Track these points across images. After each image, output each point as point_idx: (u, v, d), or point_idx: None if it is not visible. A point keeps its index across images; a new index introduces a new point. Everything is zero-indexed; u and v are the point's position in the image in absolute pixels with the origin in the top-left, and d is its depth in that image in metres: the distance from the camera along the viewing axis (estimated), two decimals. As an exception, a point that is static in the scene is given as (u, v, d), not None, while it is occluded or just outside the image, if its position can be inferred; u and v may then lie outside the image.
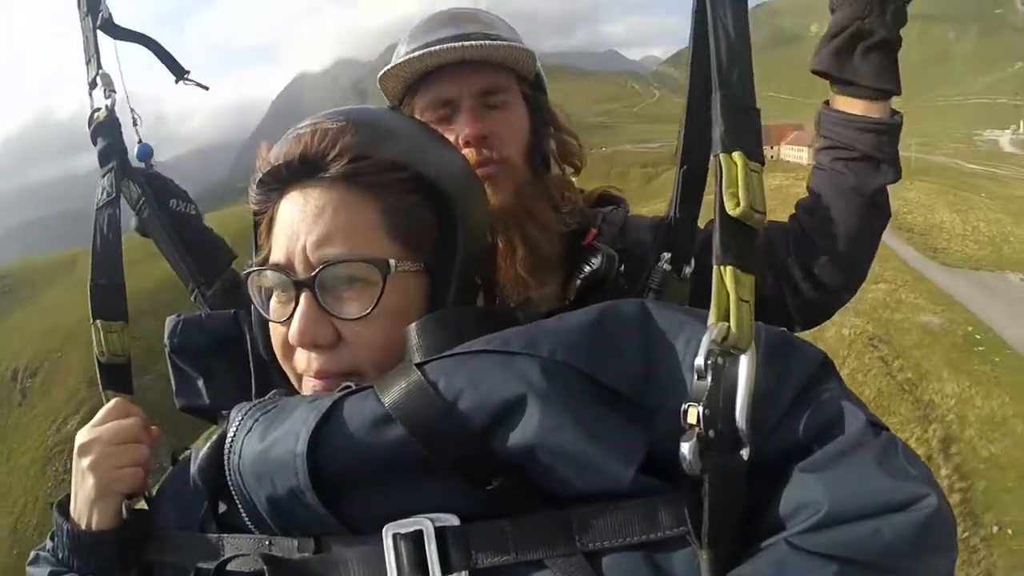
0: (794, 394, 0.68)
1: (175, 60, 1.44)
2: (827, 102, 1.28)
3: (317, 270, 0.83)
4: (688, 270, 1.19)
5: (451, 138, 1.21)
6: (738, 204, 0.71)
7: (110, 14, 1.31)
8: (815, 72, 1.25)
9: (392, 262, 0.83)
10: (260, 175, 0.90)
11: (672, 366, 0.70)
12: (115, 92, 1.31)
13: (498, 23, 1.36)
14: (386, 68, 1.30)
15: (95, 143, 1.30)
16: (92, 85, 1.31)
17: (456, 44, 1.22)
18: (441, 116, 1.28)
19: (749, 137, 0.75)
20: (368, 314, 0.83)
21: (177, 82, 1.47)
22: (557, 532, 0.67)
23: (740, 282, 0.70)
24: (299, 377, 0.90)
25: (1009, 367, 19.02)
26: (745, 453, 0.65)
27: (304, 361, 0.87)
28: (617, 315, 0.74)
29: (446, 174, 0.91)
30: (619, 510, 0.66)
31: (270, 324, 0.91)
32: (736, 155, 0.74)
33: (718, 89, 0.75)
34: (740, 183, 0.72)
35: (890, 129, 1.21)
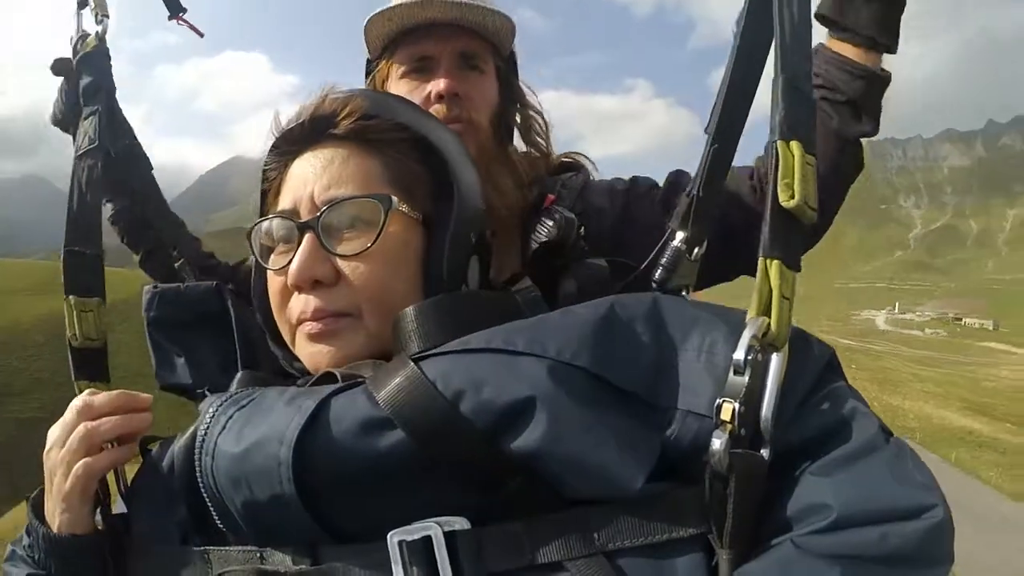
0: (805, 391, 0.67)
1: None
2: (823, 45, 1.23)
3: (322, 210, 0.83)
4: (699, 251, 1.09)
5: (423, 91, 1.28)
6: (792, 196, 0.68)
7: None
8: (817, 16, 1.18)
9: (393, 198, 0.84)
10: (274, 141, 0.92)
11: (686, 365, 0.68)
12: (107, 16, 1.14)
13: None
14: (378, 10, 1.31)
15: (79, 76, 1.13)
16: (81, 4, 1.14)
17: (454, 0, 1.26)
18: (418, 68, 1.31)
19: (808, 127, 0.73)
20: (369, 248, 0.82)
21: (170, 19, 1.33)
22: (575, 533, 0.63)
23: (785, 278, 0.68)
24: (293, 330, 0.87)
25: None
26: (766, 452, 0.63)
27: (300, 304, 0.84)
28: (627, 311, 0.72)
29: (445, 140, 0.94)
30: (639, 509, 0.63)
31: (269, 277, 0.90)
32: (794, 144, 0.70)
33: (781, 72, 0.73)
34: (796, 174, 0.69)
35: (880, 81, 1.19)
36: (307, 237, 0.83)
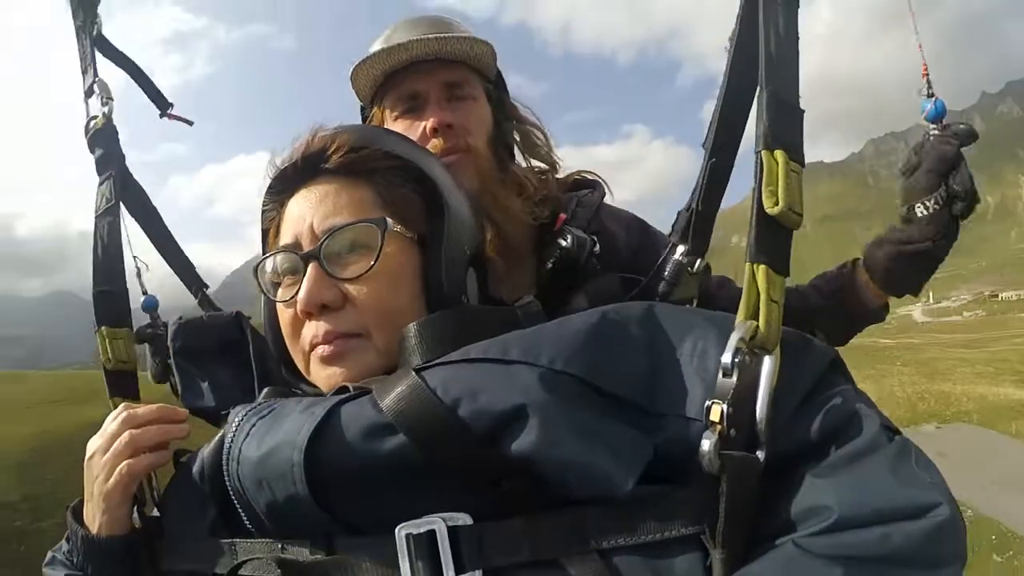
0: (806, 393, 0.68)
1: (160, 93, 1.41)
2: (856, 261, 1.31)
3: (323, 239, 0.88)
4: (701, 264, 1.13)
5: (418, 129, 1.30)
6: (776, 203, 0.70)
7: (102, 28, 1.30)
8: (865, 265, 1.27)
9: (389, 220, 0.89)
10: (269, 183, 0.98)
11: (679, 369, 0.69)
12: (111, 99, 1.27)
13: (463, 25, 1.42)
14: (359, 59, 1.34)
15: (92, 151, 1.26)
16: (88, 93, 1.28)
17: (422, 37, 1.29)
18: (409, 108, 1.34)
19: (792, 136, 0.74)
20: (370, 270, 0.86)
21: (161, 116, 1.42)
22: (571, 531, 0.65)
23: (772, 282, 0.69)
24: (307, 357, 0.91)
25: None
26: (761, 453, 0.64)
27: (312, 330, 0.88)
28: (620, 318, 0.73)
29: (432, 165, 0.99)
30: (634, 509, 0.65)
31: (279, 310, 0.94)
32: (778, 153, 0.72)
33: (764, 86, 0.75)
34: (780, 182, 0.70)
35: (882, 318, 1.32)
36: (311, 266, 0.88)
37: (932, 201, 1.16)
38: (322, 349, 0.88)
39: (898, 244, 1.21)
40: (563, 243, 1.23)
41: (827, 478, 0.62)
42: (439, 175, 0.98)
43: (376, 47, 1.35)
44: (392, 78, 1.35)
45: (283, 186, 0.97)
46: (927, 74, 1.16)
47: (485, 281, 1.03)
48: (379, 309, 0.87)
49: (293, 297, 0.89)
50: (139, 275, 1.42)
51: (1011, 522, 8.98)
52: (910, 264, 1.21)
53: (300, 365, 0.93)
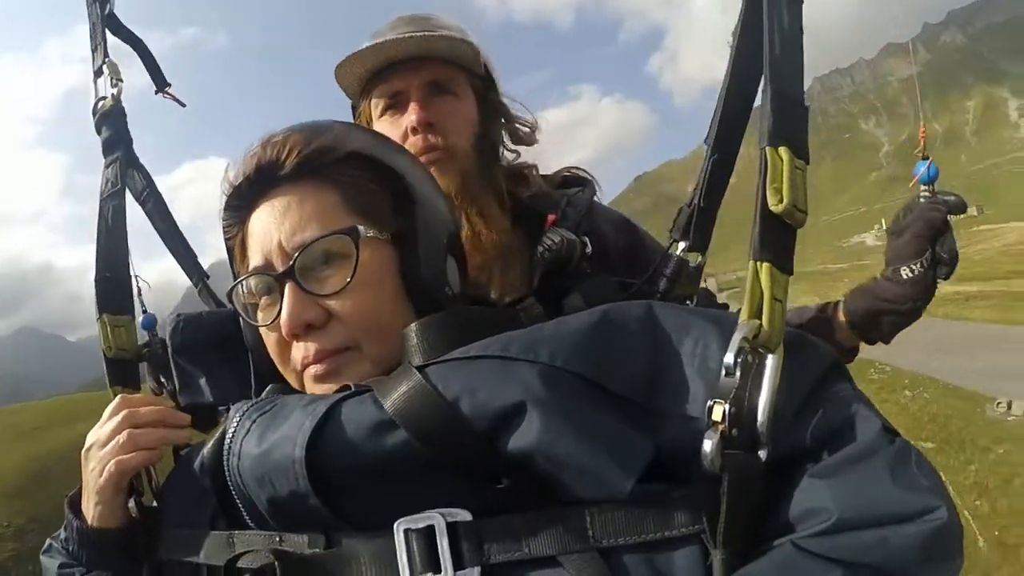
0: (806, 394, 0.68)
1: (161, 72, 1.43)
2: (837, 304, 1.34)
3: (294, 257, 0.85)
4: (701, 260, 1.14)
5: (400, 127, 1.30)
6: (781, 200, 0.70)
7: (113, 6, 1.30)
8: (846, 311, 1.31)
9: (360, 228, 0.86)
10: (225, 199, 0.94)
11: (680, 368, 0.69)
12: (121, 81, 1.29)
13: (451, 23, 1.40)
14: (343, 58, 1.34)
15: (99, 132, 1.27)
16: (97, 73, 1.29)
17: (400, 36, 1.29)
18: (391, 105, 1.34)
19: (797, 133, 0.74)
20: (350, 282, 0.84)
21: (157, 93, 1.44)
22: (571, 529, 0.65)
23: (776, 280, 0.69)
24: (300, 376, 0.90)
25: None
26: (763, 453, 0.65)
27: (301, 352, 0.87)
28: (621, 317, 0.74)
29: (392, 153, 0.97)
30: (634, 507, 0.65)
31: (263, 333, 0.92)
32: (782, 150, 0.72)
33: (769, 82, 0.75)
34: (785, 179, 0.71)
35: (851, 359, 1.33)
36: (288, 287, 0.86)
37: (918, 264, 1.21)
38: (315, 368, 0.87)
39: (882, 301, 1.26)
40: (549, 243, 1.22)
41: (826, 480, 0.62)
42: (401, 163, 0.97)
43: (362, 46, 1.36)
44: (377, 76, 1.36)
45: (241, 201, 0.94)
46: (924, 136, 1.26)
47: (465, 265, 1.03)
48: (366, 320, 0.87)
49: (275, 320, 0.87)
50: (139, 294, 1.36)
51: (926, 371, 12.39)
52: (891, 320, 1.27)
53: (294, 384, 0.91)
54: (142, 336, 1.31)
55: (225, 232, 0.98)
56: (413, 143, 1.29)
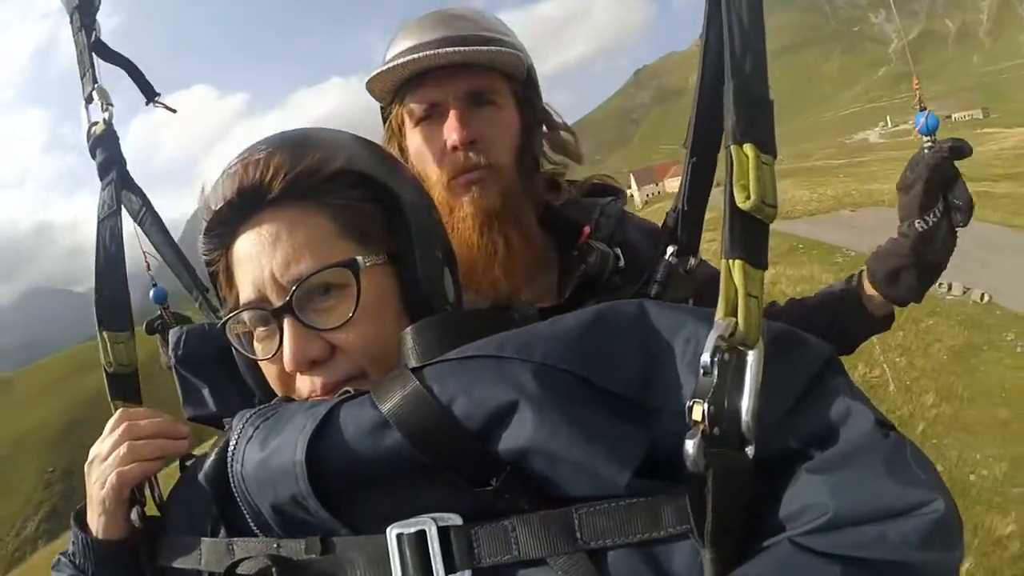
0: (800, 390, 0.67)
1: (148, 83, 1.44)
2: (861, 273, 1.34)
3: (292, 292, 0.84)
4: (693, 263, 1.13)
5: (439, 141, 1.25)
6: (748, 197, 0.70)
7: (100, 33, 1.32)
8: (870, 278, 1.31)
9: (359, 259, 0.85)
10: (205, 225, 0.91)
11: (673, 365, 0.69)
12: (111, 105, 1.29)
13: (492, 22, 1.34)
14: (375, 71, 1.29)
15: (94, 156, 1.28)
16: (88, 100, 1.29)
17: (437, 51, 1.21)
18: (427, 116, 1.28)
19: (761, 129, 0.74)
20: (352, 317, 0.84)
21: (147, 103, 1.46)
22: (559, 530, 0.65)
23: (749, 277, 0.69)
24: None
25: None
26: (751, 451, 0.64)
27: (307, 385, 0.88)
28: (614, 316, 0.73)
29: (378, 163, 0.95)
30: (622, 508, 0.64)
31: (262, 365, 0.92)
32: (748, 147, 0.72)
33: (731, 79, 0.74)
34: (751, 175, 0.71)
35: (887, 326, 1.37)
36: (287, 322, 0.85)
37: (931, 215, 1.19)
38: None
39: (901, 258, 1.24)
40: (590, 260, 1.22)
41: (822, 475, 0.61)
42: (390, 175, 0.94)
43: (393, 50, 1.31)
44: (411, 82, 1.28)
45: (223, 228, 0.91)
46: (919, 87, 1.23)
47: (458, 276, 1.03)
48: (370, 349, 0.87)
49: (275, 355, 0.87)
50: (148, 267, 1.37)
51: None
52: (914, 275, 1.26)
53: None
54: (153, 311, 1.41)
55: (205, 256, 0.96)
56: (453, 160, 1.25)
